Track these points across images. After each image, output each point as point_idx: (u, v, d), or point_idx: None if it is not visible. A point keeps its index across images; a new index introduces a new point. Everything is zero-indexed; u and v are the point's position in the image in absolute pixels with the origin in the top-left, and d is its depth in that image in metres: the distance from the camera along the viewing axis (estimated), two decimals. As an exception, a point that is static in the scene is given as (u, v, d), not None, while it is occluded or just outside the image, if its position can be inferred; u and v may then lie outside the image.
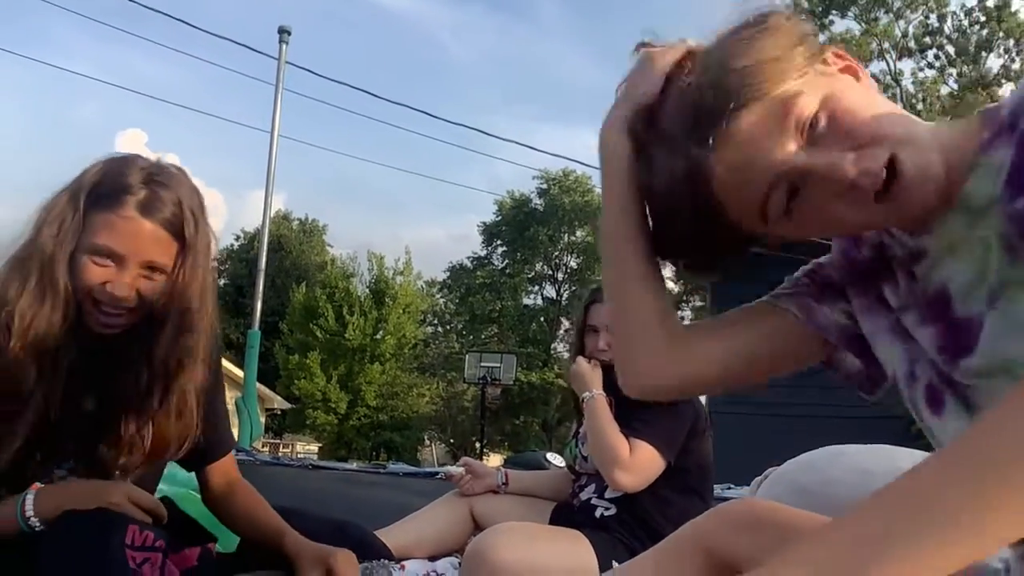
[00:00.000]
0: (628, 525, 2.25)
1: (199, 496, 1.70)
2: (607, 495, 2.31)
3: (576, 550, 2.14)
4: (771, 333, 0.99)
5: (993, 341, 0.76)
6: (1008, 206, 0.75)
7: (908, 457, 1.52)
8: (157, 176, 1.36)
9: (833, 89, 0.82)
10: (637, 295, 1.01)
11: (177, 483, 1.95)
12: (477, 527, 2.53)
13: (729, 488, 3.70)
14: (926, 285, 0.85)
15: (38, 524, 1.27)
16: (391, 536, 2.23)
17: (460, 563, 2.26)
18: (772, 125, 0.81)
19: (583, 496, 2.36)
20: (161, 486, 1.66)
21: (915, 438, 1.17)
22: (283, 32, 9.09)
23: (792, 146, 0.80)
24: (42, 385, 1.33)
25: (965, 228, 0.81)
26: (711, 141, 0.82)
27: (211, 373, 1.51)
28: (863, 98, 0.83)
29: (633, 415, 2.21)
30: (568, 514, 2.37)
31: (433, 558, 2.49)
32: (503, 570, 1.97)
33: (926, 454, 0.69)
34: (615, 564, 1.76)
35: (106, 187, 1.34)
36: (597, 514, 2.29)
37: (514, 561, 1.99)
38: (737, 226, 0.87)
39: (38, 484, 1.34)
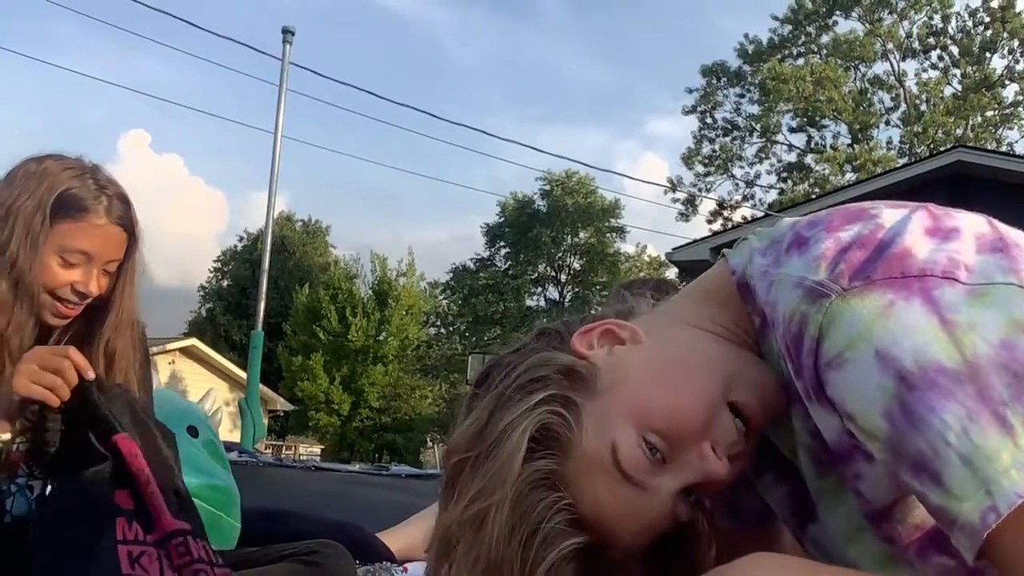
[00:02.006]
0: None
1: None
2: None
3: None
4: None
5: (828, 544, 0.79)
6: (806, 422, 0.75)
7: None
8: (101, 178, 1.47)
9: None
10: None
11: (200, 472, 1.90)
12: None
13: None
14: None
15: None
16: (393, 538, 2.22)
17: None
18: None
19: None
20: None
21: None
22: (287, 33, 9.11)
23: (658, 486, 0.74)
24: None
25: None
26: None
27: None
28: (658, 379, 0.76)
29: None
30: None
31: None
32: None
33: None
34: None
35: (73, 196, 1.43)
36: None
37: None
38: None
39: None
